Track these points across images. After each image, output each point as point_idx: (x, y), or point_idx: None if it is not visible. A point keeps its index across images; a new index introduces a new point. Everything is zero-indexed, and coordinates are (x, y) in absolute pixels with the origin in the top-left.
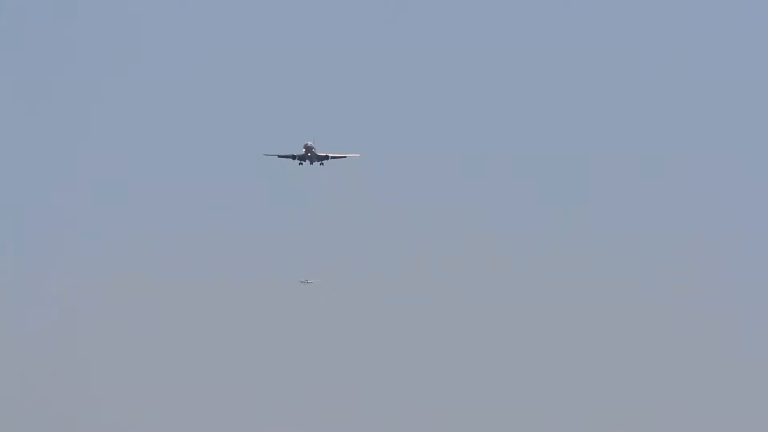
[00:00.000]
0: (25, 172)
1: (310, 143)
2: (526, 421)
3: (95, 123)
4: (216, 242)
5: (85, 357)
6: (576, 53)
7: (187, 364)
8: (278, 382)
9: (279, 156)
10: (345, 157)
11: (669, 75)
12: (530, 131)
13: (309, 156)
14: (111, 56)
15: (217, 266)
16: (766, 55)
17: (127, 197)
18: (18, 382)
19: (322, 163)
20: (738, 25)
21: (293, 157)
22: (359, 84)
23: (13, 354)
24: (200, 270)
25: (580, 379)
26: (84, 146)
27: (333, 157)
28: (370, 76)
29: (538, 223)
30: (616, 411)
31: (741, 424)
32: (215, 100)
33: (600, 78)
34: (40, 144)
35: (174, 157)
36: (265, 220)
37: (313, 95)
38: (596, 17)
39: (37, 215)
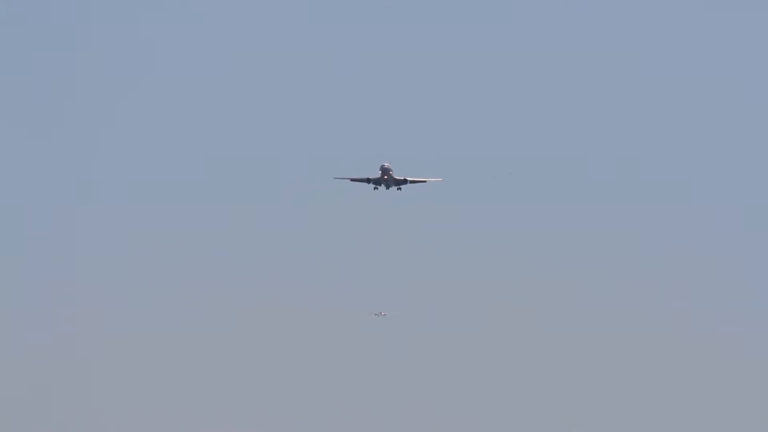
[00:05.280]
0: (38, 180)
1: (387, 165)
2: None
3: (111, 140)
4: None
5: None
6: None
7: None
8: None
9: (352, 179)
10: (425, 181)
11: (669, 75)
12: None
13: (386, 179)
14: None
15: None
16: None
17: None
18: (26, 385)
19: (400, 188)
20: (738, 26)
21: (368, 180)
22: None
23: (22, 357)
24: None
25: (580, 382)
26: (104, 167)
27: (412, 182)
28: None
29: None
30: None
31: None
32: (274, 115)
33: (600, 78)
34: (58, 153)
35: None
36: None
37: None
38: (597, 17)
39: (72, 225)
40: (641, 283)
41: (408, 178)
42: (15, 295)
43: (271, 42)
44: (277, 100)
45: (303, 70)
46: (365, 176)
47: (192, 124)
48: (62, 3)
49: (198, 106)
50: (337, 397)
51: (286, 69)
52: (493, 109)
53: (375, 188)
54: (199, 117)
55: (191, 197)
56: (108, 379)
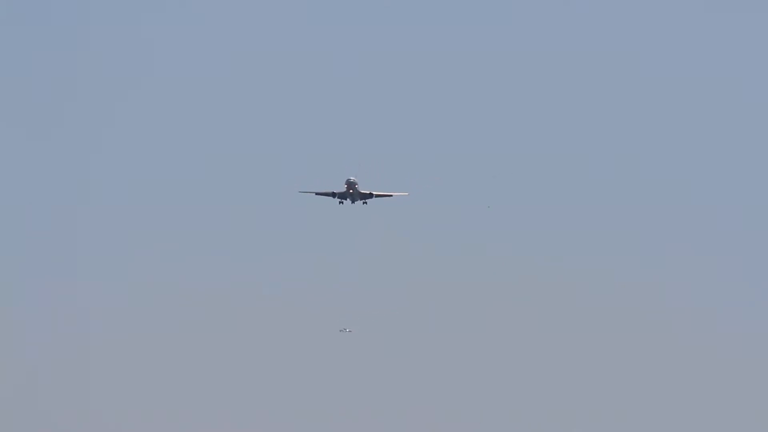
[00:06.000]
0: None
1: (352, 179)
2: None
3: (111, 145)
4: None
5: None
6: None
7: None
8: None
9: (317, 193)
10: (391, 195)
11: (669, 75)
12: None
13: (351, 193)
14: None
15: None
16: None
17: (151, 218)
18: (26, 385)
19: (365, 202)
20: (738, 26)
21: (333, 194)
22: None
23: (22, 357)
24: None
25: (580, 382)
26: (103, 170)
27: (377, 196)
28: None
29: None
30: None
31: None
32: (245, 126)
33: (600, 78)
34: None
35: (207, 185)
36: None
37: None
38: (597, 17)
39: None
40: (641, 283)
41: (374, 192)
42: (15, 295)
43: (271, 42)
44: (277, 100)
45: (303, 70)
46: (331, 190)
47: (192, 124)
48: (62, 3)
49: (198, 106)
50: (336, 398)
51: (286, 69)
52: (493, 109)
53: (340, 202)
54: (199, 117)
55: (191, 197)
56: (108, 379)
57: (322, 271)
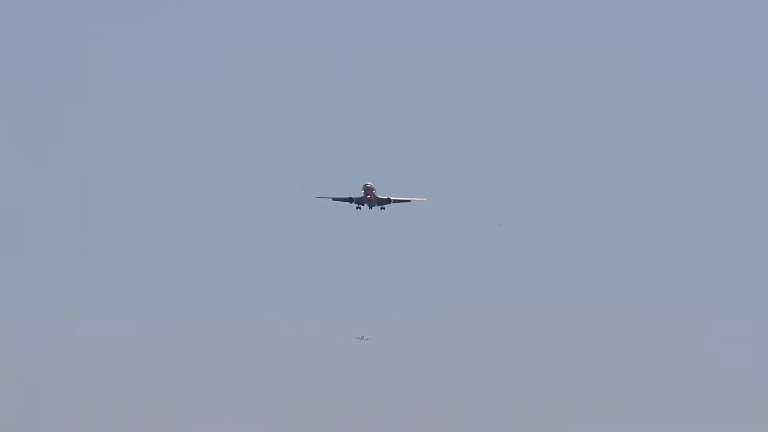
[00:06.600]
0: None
1: (370, 183)
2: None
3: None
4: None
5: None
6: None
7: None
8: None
9: (334, 198)
10: (409, 200)
11: (669, 75)
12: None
13: (369, 199)
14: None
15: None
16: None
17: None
18: (25, 386)
19: (383, 207)
20: (738, 26)
21: (350, 200)
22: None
23: (22, 358)
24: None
25: (580, 382)
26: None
27: (395, 201)
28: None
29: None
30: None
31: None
32: (245, 126)
33: (600, 78)
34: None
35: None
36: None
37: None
38: (597, 17)
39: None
40: (641, 283)
41: (391, 198)
42: (15, 295)
43: (271, 42)
44: (277, 100)
45: (303, 70)
46: (348, 195)
47: (192, 124)
48: (62, 3)
49: (198, 106)
50: (337, 399)
51: (286, 69)
52: (492, 109)
53: (358, 208)
54: (199, 117)
55: (191, 197)
56: (108, 380)
57: (329, 275)
